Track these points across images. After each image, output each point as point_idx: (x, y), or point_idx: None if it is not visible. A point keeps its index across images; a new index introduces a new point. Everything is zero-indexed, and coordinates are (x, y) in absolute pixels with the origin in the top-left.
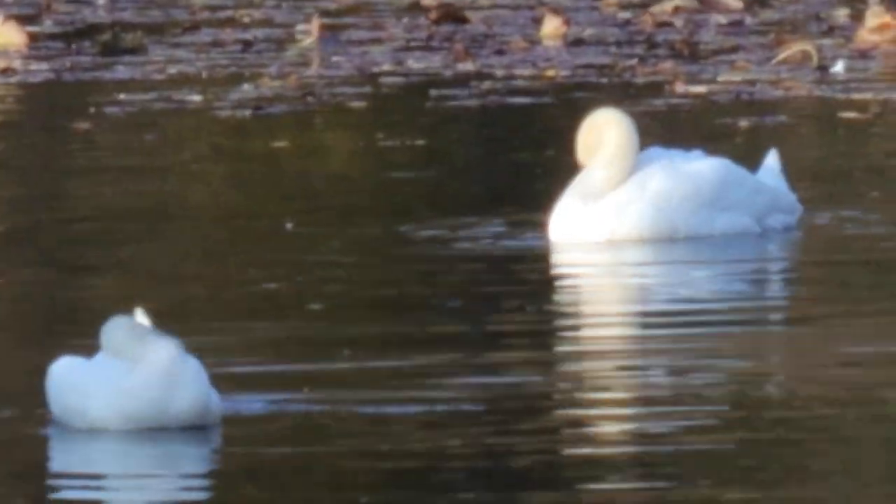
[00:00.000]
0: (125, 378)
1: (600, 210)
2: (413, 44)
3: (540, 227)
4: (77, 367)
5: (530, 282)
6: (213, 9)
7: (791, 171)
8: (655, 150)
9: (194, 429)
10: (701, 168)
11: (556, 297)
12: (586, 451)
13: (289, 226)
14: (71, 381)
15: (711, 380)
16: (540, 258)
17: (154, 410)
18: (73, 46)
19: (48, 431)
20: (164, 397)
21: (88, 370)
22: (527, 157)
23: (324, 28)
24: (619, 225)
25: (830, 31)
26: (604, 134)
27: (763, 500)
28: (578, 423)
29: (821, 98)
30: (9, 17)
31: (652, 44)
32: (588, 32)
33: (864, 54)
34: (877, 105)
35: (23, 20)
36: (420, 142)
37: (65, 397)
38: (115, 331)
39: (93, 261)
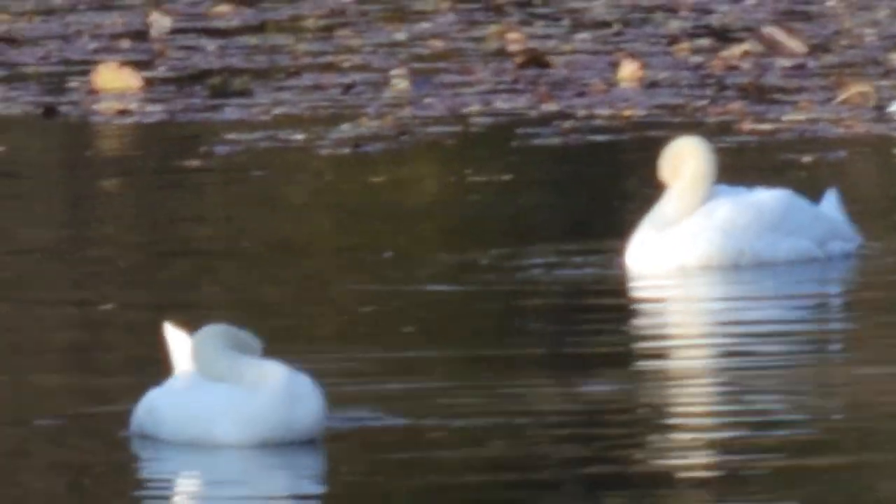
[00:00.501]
0: (251, 400)
1: (673, 239)
2: (500, 86)
3: (618, 255)
4: (190, 391)
5: (608, 307)
6: (315, 54)
7: (850, 203)
8: (721, 187)
9: (303, 443)
10: (764, 197)
11: (633, 322)
12: (665, 461)
13: (387, 255)
14: (191, 405)
15: (778, 400)
16: (618, 285)
17: (282, 429)
18: (185, 90)
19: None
20: (289, 416)
21: (205, 394)
22: (606, 191)
23: (416, 72)
24: (689, 252)
25: (887, 73)
26: (684, 161)
27: None
28: (658, 432)
29: (878, 135)
30: (125, 63)
31: (721, 86)
32: (662, 76)
33: None
34: None
35: (138, 66)
36: (506, 177)
37: (186, 421)
38: (209, 348)
39: (203, 292)
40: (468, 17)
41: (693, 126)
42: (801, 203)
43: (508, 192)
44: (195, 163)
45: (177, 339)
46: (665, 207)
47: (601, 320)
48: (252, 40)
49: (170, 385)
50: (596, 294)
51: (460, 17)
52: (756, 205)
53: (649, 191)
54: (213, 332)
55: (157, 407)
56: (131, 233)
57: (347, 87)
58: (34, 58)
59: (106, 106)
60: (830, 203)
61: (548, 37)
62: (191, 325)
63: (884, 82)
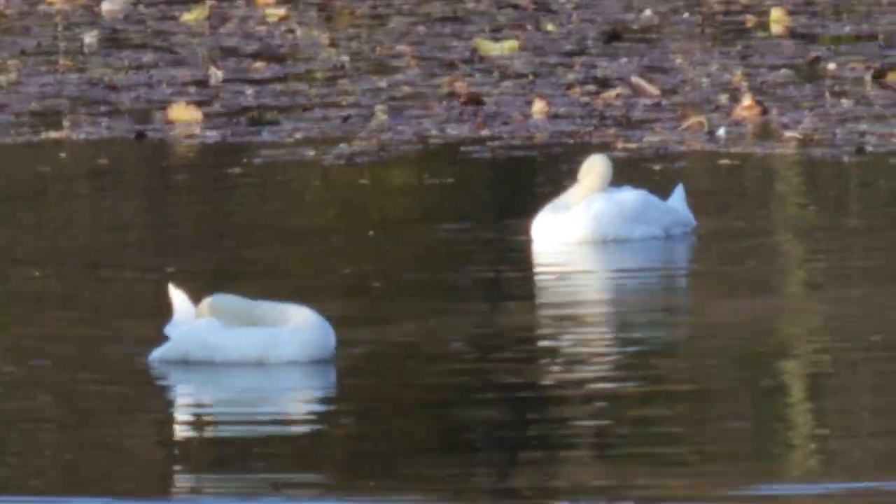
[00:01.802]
0: (310, 326)
1: (563, 221)
2: (450, 118)
3: (527, 230)
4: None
5: (517, 266)
6: (322, 96)
7: (689, 198)
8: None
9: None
10: (627, 195)
11: (532, 276)
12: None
13: (371, 233)
14: (253, 335)
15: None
16: (524, 250)
17: (323, 349)
18: (232, 120)
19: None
20: (326, 339)
21: (259, 329)
22: (521, 188)
23: (392, 108)
24: (573, 232)
25: (716, 109)
26: (591, 169)
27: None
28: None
29: (709, 151)
30: (190, 102)
31: (602, 117)
32: (562, 110)
33: (738, 124)
34: (745, 156)
35: (200, 104)
36: (451, 180)
37: (251, 347)
38: (224, 307)
39: (247, 264)
40: (429, 71)
41: (582, 146)
42: (653, 200)
43: (453, 189)
44: (239, 170)
45: (178, 296)
46: (563, 199)
47: (510, 271)
48: (279, 86)
49: (207, 325)
50: (507, 255)
51: (423, 71)
52: (620, 201)
53: (551, 189)
54: (224, 297)
55: (208, 339)
56: (194, 217)
57: (345, 119)
58: (129, 98)
59: (178, 132)
60: (678, 197)
61: (483, 84)
62: (200, 287)
63: (714, 115)
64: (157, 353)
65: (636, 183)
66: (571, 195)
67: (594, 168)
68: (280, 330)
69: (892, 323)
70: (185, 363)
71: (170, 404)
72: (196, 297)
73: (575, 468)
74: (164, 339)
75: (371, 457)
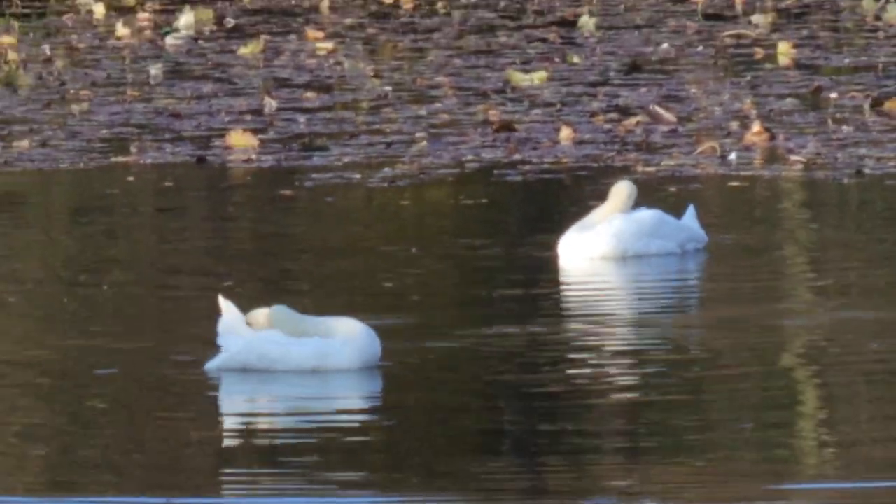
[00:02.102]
0: (359, 337)
1: (587, 239)
2: (484, 144)
3: (554, 247)
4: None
5: (546, 278)
6: (368, 124)
7: (702, 216)
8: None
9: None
10: (644, 214)
11: (560, 288)
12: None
13: (413, 250)
14: (310, 345)
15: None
16: (552, 263)
17: (371, 358)
18: (286, 146)
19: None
20: (374, 349)
21: (314, 340)
22: (550, 207)
23: (432, 135)
24: (596, 248)
25: (728, 135)
26: (617, 193)
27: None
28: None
29: (721, 174)
30: (247, 130)
31: (624, 143)
32: (587, 136)
33: (748, 149)
34: (754, 178)
35: (256, 131)
36: (485, 200)
37: (309, 356)
38: (281, 318)
39: (297, 278)
40: (465, 100)
41: (605, 169)
42: (668, 218)
43: (487, 209)
44: (291, 192)
45: (227, 307)
46: (588, 218)
47: (540, 285)
48: (328, 114)
49: (265, 337)
50: (537, 268)
51: (459, 100)
52: (638, 219)
53: (576, 209)
54: (282, 308)
55: (268, 350)
56: (249, 235)
57: (388, 144)
58: (190, 126)
59: (235, 157)
60: (690, 215)
61: (514, 111)
62: (254, 299)
63: (726, 140)
64: (215, 363)
65: (654, 203)
66: (596, 215)
67: (621, 191)
68: (332, 341)
69: (890, 331)
70: (242, 371)
71: (227, 409)
72: (248, 308)
73: (599, 469)
74: (218, 348)
75: (413, 457)
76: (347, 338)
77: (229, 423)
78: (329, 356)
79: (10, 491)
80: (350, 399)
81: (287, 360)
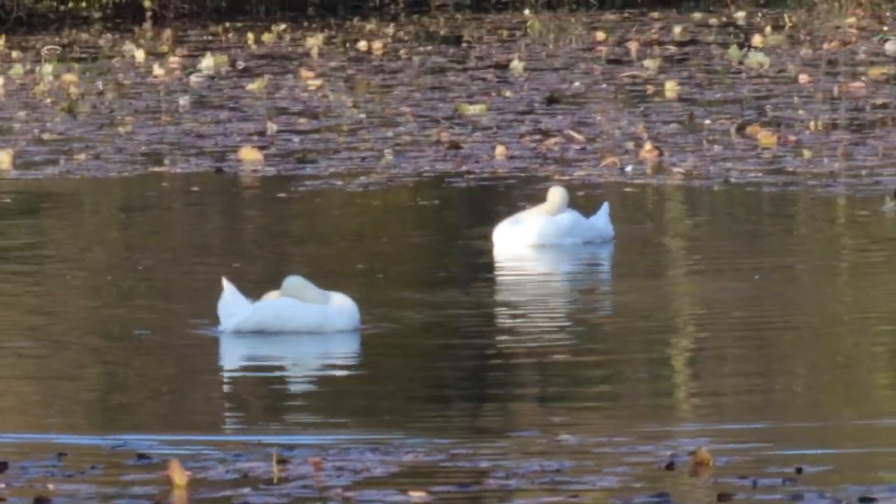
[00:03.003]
0: (345, 308)
1: (516, 231)
2: (437, 158)
3: (489, 237)
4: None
5: (480, 262)
6: (347, 143)
7: (612, 213)
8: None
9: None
10: (563, 216)
11: (492, 269)
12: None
13: (383, 240)
14: (313, 311)
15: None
16: (488, 250)
17: (355, 322)
18: (284, 159)
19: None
20: (357, 315)
21: (316, 307)
22: (487, 206)
23: (397, 151)
24: (523, 239)
25: (626, 152)
26: (552, 195)
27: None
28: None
29: (620, 182)
30: (253, 146)
31: (545, 158)
32: (516, 153)
33: (641, 163)
34: (646, 185)
35: (260, 148)
36: (437, 201)
37: (312, 319)
38: (298, 285)
39: (293, 261)
40: (422, 125)
41: (530, 178)
42: (581, 220)
43: (440, 209)
44: (287, 195)
45: (227, 286)
46: (518, 216)
47: (479, 266)
48: (316, 136)
49: (279, 302)
50: (477, 253)
51: (418, 125)
52: (557, 220)
53: (507, 209)
54: (297, 279)
55: (282, 312)
56: (256, 228)
57: (363, 159)
58: (210, 144)
59: (245, 168)
60: (604, 211)
61: (461, 134)
62: (259, 277)
63: (624, 156)
64: (233, 323)
65: (570, 204)
66: (529, 212)
67: (556, 195)
68: (330, 308)
69: (751, 302)
70: (256, 332)
71: (237, 362)
72: (253, 284)
73: (526, 411)
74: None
75: (384, 401)
76: (341, 307)
77: (236, 373)
78: (328, 319)
79: (71, 428)
80: (336, 357)
81: (296, 320)
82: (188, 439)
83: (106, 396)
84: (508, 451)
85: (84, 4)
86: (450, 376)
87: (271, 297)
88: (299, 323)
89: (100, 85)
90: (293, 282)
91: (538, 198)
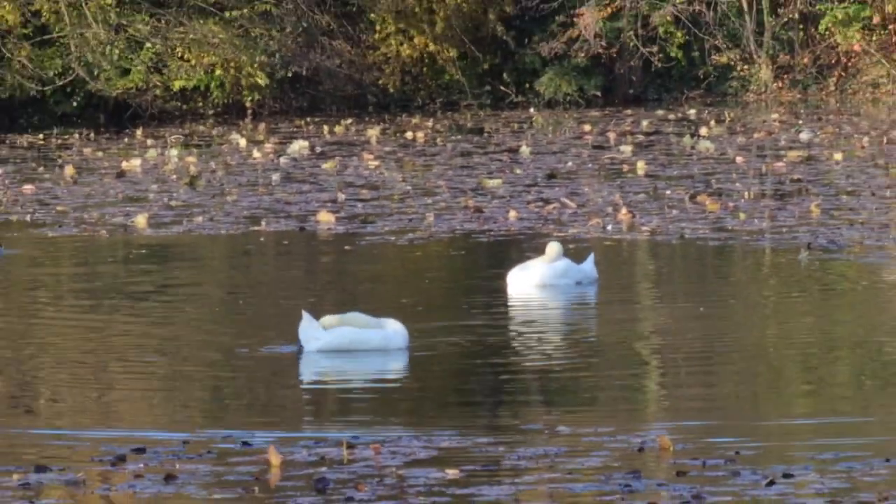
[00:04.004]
0: (400, 330)
1: (525, 276)
2: (465, 220)
3: (504, 279)
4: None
5: (497, 300)
6: (398, 208)
7: (598, 264)
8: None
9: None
10: (559, 263)
11: (506, 306)
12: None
13: (426, 281)
14: (377, 334)
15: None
16: (503, 291)
17: (407, 340)
18: (351, 221)
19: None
20: (408, 337)
21: (377, 331)
22: (502, 257)
23: (436, 215)
24: (529, 282)
25: (607, 215)
26: (551, 248)
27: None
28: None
29: (603, 238)
30: (328, 211)
31: (546, 219)
32: (524, 215)
33: (618, 223)
34: (621, 240)
35: (333, 212)
36: (463, 252)
37: (377, 340)
38: (356, 318)
39: (355, 297)
40: (454, 195)
41: (535, 235)
42: (573, 266)
43: (466, 257)
44: (352, 247)
45: (306, 316)
46: (527, 263)
47: (495, 300)
48: (375, 203)
49: (344, 330)
50: (494, 291)
51: (451, 195)
52: (555, 266)
53: (518, 258)
54: (356, 314)
55: (353, 336)
56: (328, 272)
57: (409, 220)
58: (296, 209)
59: (322, 227)
60: (589, 262)
61: (483, 201)
62: (330, 310)
63: (605, 218)
64: (320, 344)
65: (565, 254)
66: (534, 261)
67: (553, 248)
68: (388, 331)
69: (705, 324)
70: (335, 352)
71: (314, 374)
72: (326, 314)
73: (533, 410)
74: (297, 341)
75: (427, 404)
76: (397, 330)
77: (314, 383)
78: (389, 341)
79: (191, 424)
80: (389, 371)
81: (366, 343)
82: (279, 436)
83: (215, 399)
84: (519, 439)
85: (201, 104)
86: (475, 384)
87: (328, 320)
88: (368, 345)
89: (213, 164)
90: (354, 316)
91: (540, 250)
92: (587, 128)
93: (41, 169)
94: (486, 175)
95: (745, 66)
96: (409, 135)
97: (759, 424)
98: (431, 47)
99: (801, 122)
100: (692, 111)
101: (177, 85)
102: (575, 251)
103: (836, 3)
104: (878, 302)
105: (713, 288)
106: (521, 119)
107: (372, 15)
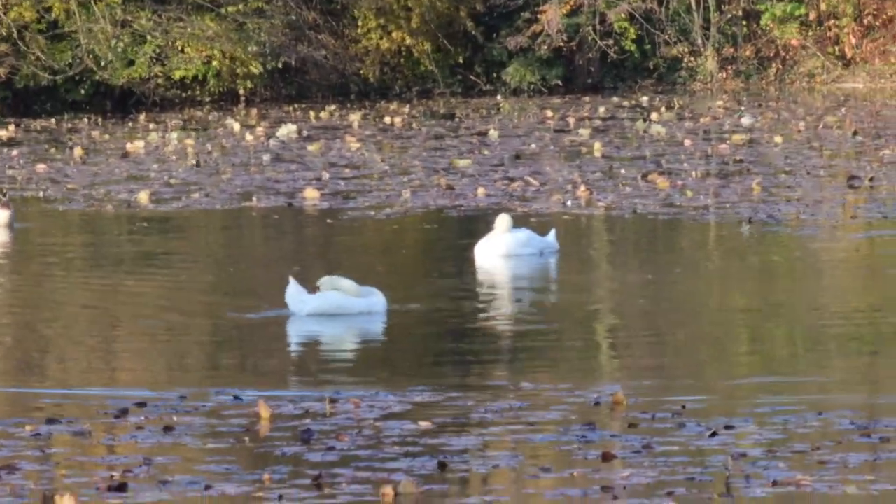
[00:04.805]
0: (381, 297)
1: (490, 245)
2: (438, 196)
3: (472, 249)
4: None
5: (464, 267)
6: (377, 186)
7: (560, 237)
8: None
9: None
10: (522, 233)
11: (471, 272)
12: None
13: (403, 251)
14: (362, 300)
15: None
16: (471, 260)
17: (385, 306)
18: (334, 197)
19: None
20: (385, 302)
21: (362, 299)
22: (471, 230)
23: (413, 191)
24: (493, 251)
25: (566, 192)
26: (501, 221)
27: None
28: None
29: (563, 213)
30: (313, 188)
31: (511, 196)
32: (491, 192)
33: (577, 199)
34: (580, 215)
35: (318, 189)
36: (435, 226)
37: (362, 305)
38: (339, 281)
39: (337, 265)
40: (428, 174)
41: (501, 210)
42: (534, 236)
43: (439, 231)
44: (335, 221)
45: (292, 282)
46: (490, 235)
47: (465, 269)
48: (356, 181)
49: (331, 295)
50: (464, 260)
51: (425, 173)
52: (518, 236)
53: (486, 230)
54: (339, 279)
55: (339, 302)
56: (313, 243)
57: (387, 197)
58: (284, 186)
59: (307, 203)
60: (551, 235)
61: (454, 180)
62: (314, 277)
63: (565, 195)
64: (309, 308)
65: (528, 227)
66: (493, 234)
67: (502, 220)
68: (372, 298)
69: (652, 292)
70: (322, 315)
71: (301, 336)
72: (311, 281)
73: (497, 369)
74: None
75: (402, 362)
76: (378, 297)
77: (300, 344)
78: (372, 307)
79: (187, 380)
80: (368, 332)
81: (351, 308)
82: (268, 393)
83: (210, 358)
84: (486, 394)
85: (198, 92)
86: (446, 345)
87: (325, 283)
88: (351, 310)
89: (209, 146)
90: (331, 280)
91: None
92: (549, 113)
93: (53, 150)
94: (457, 156)
95: (693, 58)
96: (387, 120)
97: (704, 382)
98: (408, 41)
99: (743, 108)
100: (644, 98)
101: (177, 75)
102: (538, 225)
103: (776, 1)
104: (812, 271)
105: (663, 258)
106: (489, 106)
107: (354, 11)
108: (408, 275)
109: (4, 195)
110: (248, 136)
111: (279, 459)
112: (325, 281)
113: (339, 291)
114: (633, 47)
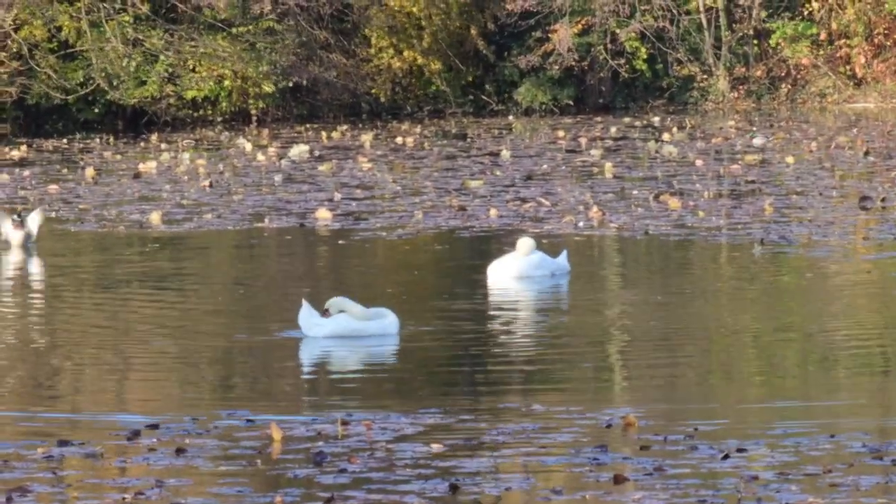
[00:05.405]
0: (394, 318)
1: (503, 267)
2: (450, 217)
3: (485, 271)
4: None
5: (478, 289)
6: (389, 206)
7: (571, 259)
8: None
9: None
10: (534, 256)
11: (484, 292)
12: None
13: (415, 273)
14: (376, 323)
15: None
16: (483, 281)
17: (398, 328)
18: (345, 217)
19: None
20: (398, 324)
21: (373, 322)
22: (484, 251)
23: (425, 213)
24: (506, 273)
25: (578, 213)
26: (522, 243)
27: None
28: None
29: (574, 234)
30: (325, 208)
31: (523, 217)
32: (504, 213)
33: (589, 220)
34: (592, 236)
35: (330, 210)
36: (447, 246)
37: (376, 327)
38: (346, 303)
39: (350, 286)
40: (440, 195)
41: (514, 231)
42: (547, 258)
43: (451, 251)
44: (347, 242)
45: (305, 304)
46: (505, 256)
47: (477, 290)
48: (367, 201)
49: (344, 319)
50: (476, 282)
51: (437, 194)
52: (530, 258)
53: (498, 252)
54: (340, 299)
55: (354, 325)
56: (326, 264)
57: (399, 217)
58: (296, 207)
59: (319, 223)
60: (563, 257)
61: (466, 201)
62: (326, 297)
63: (577, 216)
64: (325, 331)
65: (539, 248)
66: (510, 255)
67: (525, 243)
68: (384, 320)
69: (664, 312)
70: (335, 337)
71: (313, 358)
72: (323, 303)
73: (511, 391)
74: (297, 326)
75: (414, 384)
76: (391, 319)
77: (313, 365)
78: (386, 328)
79: (199, 402)
80: (381, 354)
81: (365, 330)
82: (280, 417)
83: (223, 381)
84: (498, 416)
85: (210, 112)
86: (458, 367)
87: (332, 302)
88: (367, 332)
89: (221, 167)
90: (337, 302)
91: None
92: (561, 134)
93: (65, 170)
94: (468, 176)
95: (705, 78)
96: (399, 140)
97: (717, 406)
98: (419, 60)
99: (755, 128)
100: (656, 118)
101: (189, 94)
102: (549, 245)
103: (787, 20)
104: (824, 292)
105: (675, 279)
106: (500, 126)
107: (366, 31)
108: (419, 296)
109: (19, 216)
110: (260, 157)
111: (291, 482)
112: (333, 302)
113: (346, 314)
114: (644, 67)
